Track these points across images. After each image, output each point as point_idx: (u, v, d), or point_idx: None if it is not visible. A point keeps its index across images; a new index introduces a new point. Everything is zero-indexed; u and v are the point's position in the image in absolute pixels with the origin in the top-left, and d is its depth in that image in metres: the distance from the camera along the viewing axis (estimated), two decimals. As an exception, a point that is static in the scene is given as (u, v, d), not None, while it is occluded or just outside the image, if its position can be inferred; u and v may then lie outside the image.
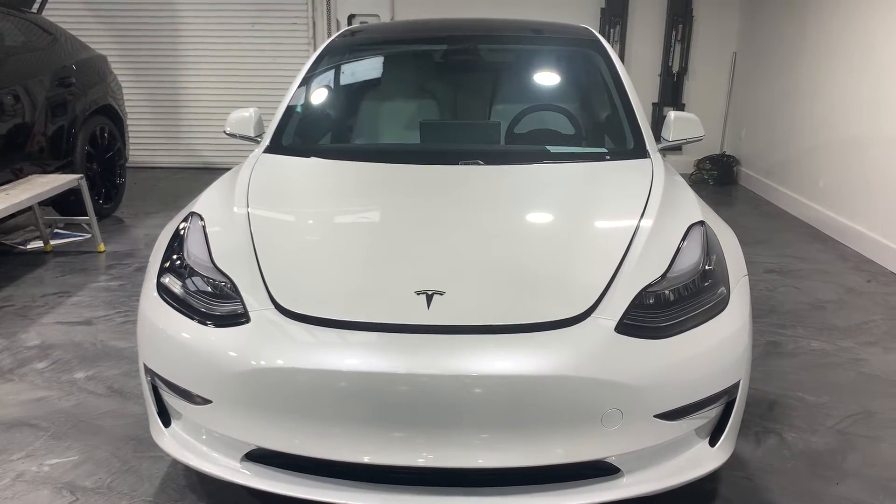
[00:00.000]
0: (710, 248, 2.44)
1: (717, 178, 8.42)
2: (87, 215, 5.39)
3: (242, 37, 8.55)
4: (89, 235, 5.63)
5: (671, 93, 8.76)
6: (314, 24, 8.51)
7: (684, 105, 8.74)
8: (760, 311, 4.23)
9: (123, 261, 5.22)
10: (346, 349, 2.04)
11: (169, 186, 7.95)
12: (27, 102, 5.31)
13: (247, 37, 8.55)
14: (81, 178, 5.23)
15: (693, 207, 2.66)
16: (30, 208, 4.98)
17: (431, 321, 2.07)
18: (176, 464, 2.72)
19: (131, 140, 7.06)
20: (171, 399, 2.32)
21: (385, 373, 1.97)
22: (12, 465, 2.73)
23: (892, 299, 4.63)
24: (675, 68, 8.73)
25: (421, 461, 2.01)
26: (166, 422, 2.39)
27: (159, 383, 2.33)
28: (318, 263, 2.37)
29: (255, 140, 3.49)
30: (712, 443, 2.28)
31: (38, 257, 5.26)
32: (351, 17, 8.49)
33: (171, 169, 8.89)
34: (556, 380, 1.98)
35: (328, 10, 8.48)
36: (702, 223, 2.52)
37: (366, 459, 2.02)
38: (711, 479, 2.60)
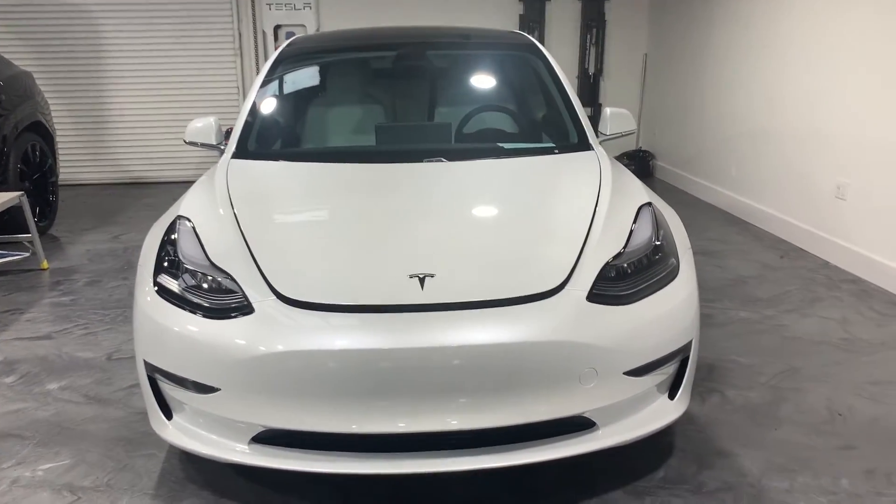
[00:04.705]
0: (659, 225, 2.75)
1: (634, 172, 8.87)
2: (25, 233, 5.34)
3: (167, 50, 8.51)
4: (27, 254, 5.56)
5: (588, 93, 9.22)
6: (240, 35, 8.56)
7: (601, 105, 9.20)
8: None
9: (70, 277, 5.20)
10: (350, 331, 2.24)
11: (99, 203, 7.83)
12: (-42, 121, 5.22)
13: (172, 50, 8.51)
14: (22, 195, 5.17)
15: (640, 191, 2.98)
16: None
17: (426, 300, 2.29)
18: (171, 458, 2.84)
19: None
20: (173, 391, 2.45)
21: (392, 349, 2.18)
22: (4, 472, 2.78)
23: (803, 272, 5.12)
24: (591, 70, 9.20)
25: (431, 427, 2.24)
26: (168, 415, 2.51)
27: (160, 378, 2.46)
28: (313, 255, 2.56)
29: (217, 148, 3.61)
30: (671, 396, 2.59)
31: (-22, 278, 5.17)
32: (277, 28, 8.58)
33: (99, 185, 8.74)
34: (540, 345, 2.23)
35: (254, 22, 8.54)
36: (649, 204, 2.83)
37: (377, 430, 2.24)
38: (668, 433, 2.90)
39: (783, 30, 5.96)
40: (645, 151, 9.16)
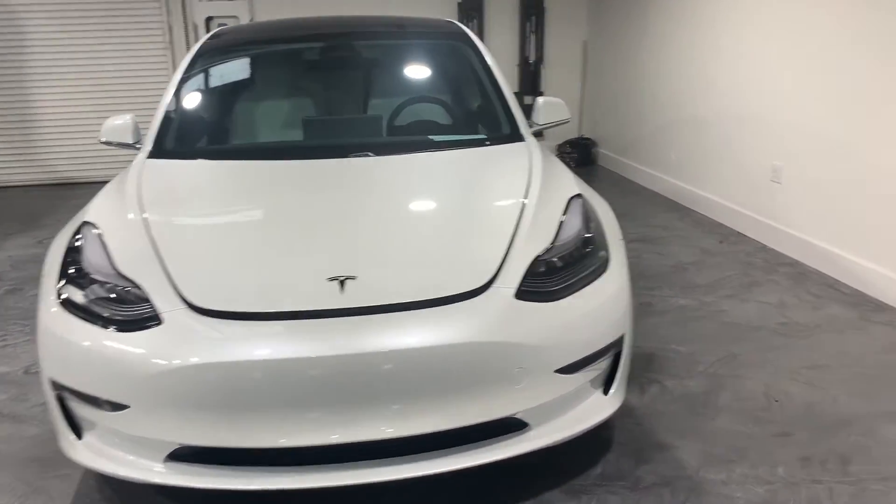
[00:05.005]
0: (589, 217, 2.68)
1: (577, 160, 8.90)
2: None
3: (94, 44, 8.14)
4: (-55, 263, 5.27)
5: (530, 82, 9.17)
6: (170, 28, 8.26)
7: (542, 93, 9.16)
8: (630, 277, 4.58)
9: (-12, 286, 4.94)
10: (265, 340, 2.11)
11: (24, 205, 7.48)
12: None
13: (99, 44, 8.14)
14: (-67, 201, 4.89)
15: (570, 182, 2.91)
16: None
17: (347, 304, 2.18)
18: (88, 479, 2.68)
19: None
20: (82, 410, 2.30)
21: (311, 357, 2.07)
22: None
23: (742, 256, 5.14)
24: (532, 58, 9.14)
25: (365, 437, 2.14)
26: (78, 434, 2.36)
27: (68, 396, 2.31)
28: (226, 260, 2.42)
29: (134, 147, 3.43)
30: (605, 391, 2.53)
31: None
32: (209, 20, 8.30)
33: (24, 187, 8.34)
34: (467, 346, 2.15)
35: (184, 14, 8.26)
36: (579, 195, 2.76)
37: (297, 444, 2.13)
38: (606, 427, 2.84)
39: (718, 16, 5.98)
40: (587, 139, 9.16)
